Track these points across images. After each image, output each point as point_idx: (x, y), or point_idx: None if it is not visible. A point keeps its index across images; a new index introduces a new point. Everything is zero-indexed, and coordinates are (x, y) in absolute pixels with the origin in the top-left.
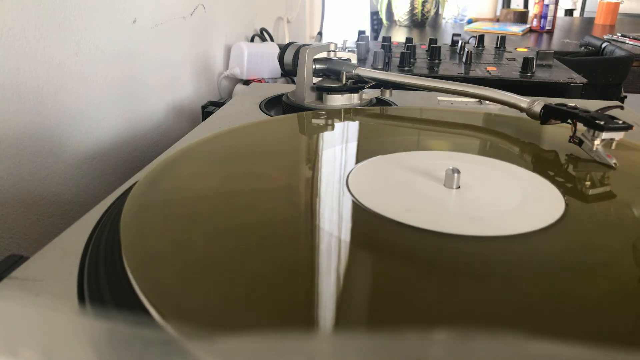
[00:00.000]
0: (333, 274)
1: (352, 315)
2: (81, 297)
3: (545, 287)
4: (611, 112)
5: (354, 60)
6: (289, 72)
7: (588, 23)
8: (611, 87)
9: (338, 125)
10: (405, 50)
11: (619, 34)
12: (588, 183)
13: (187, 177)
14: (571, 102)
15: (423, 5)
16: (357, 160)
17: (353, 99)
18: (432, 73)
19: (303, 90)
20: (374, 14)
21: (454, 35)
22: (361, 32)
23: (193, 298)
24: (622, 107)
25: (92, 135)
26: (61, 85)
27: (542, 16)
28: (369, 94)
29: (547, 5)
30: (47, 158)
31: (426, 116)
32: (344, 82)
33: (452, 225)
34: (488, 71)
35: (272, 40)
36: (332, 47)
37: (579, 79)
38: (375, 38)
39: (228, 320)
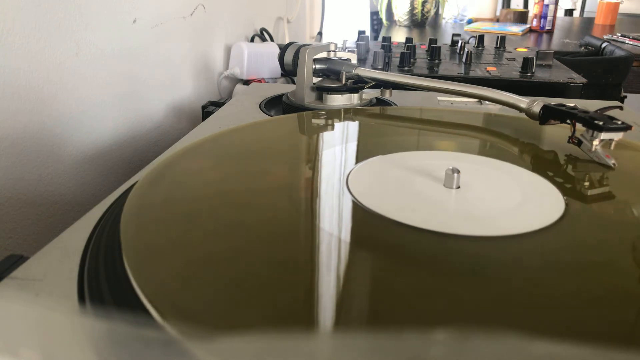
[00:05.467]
0: (333, 274)
1: (352, 315)
2: (81, 297)
3: (545, 286)
4: (610, 113)
5: (354, 60)
6: (289, 72)
7: (588, 23)
8: (611, 87)
9: (338, 125)
10: (405, 50)
11: (619, 34)
12: (587, 183)
13: (187, 177)
14: (571, 102)
15: (423, 5)
16: (357, 161)
17: (353, 99)
18: (432, 73)
19: (303, 90)
20: (374, 14)
21: (454, 35)
22: (361, 32)
23: (193, 298)
24: (621, 108)
25: (92, 135)
26: (61, 85)
27: (542, 16)
28: (369, 94)
29: (547, 5)
30: (47, 158)
31: (426, 116)
32: (344, 82)
33: (452, 225)
34: (488, 71)
35: (272, 40)
36: (332, 47)
37: (578, 79)
38: (375, 38)
39: (228, 320)
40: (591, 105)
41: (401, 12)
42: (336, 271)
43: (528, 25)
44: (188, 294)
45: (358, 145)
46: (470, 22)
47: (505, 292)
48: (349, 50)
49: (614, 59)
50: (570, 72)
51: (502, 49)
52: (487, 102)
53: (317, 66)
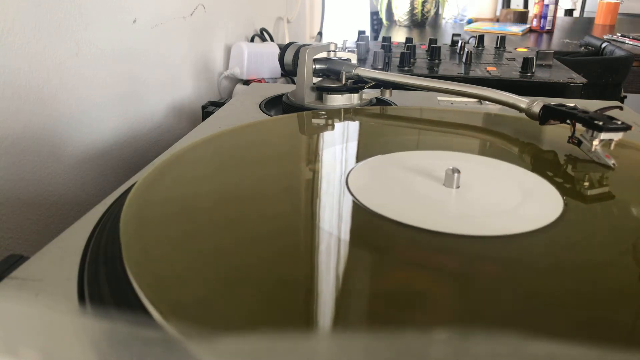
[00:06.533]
0: (333, 274)
1: (352, 315)
2: (81, 297)
3: (544, 286)
4: (610, 113)
5: (354, 60)
6: (289, 72)
7: (588, 23)
8: (611, 87)
9: (338, 125)
10: (405, 50)
11: (619, 34)
12: (587, 183)
13: (187, 177)
14: (571, 102)
15: (423, 5)
16: (357, 160)
17: (353, 99)
18: (432, 73)
19: (303, 90)
20: (374, 14)
21: (454, 35)
22: (361, 32)
23: (193, 298)
24: (621, 108)
25: (92, 135)
26: (61, 85)
27: (542, 16)
28: (369, 94)
29: (547, 5)
30: (47, 158)
31: (426, 116)
32: (344, 82)
33: (452, 225)
34: (488, 71)
35: (272, 40)
36: (332, 47)
37: (578, 79)
38: (375, 38)
39: (228, 320)
40: (591, 105)
41: (401, 12)
42: (335, 271)
43: (528, 25)
44: (188, 294)
45: (358, 145)
46: (470, 22)
47: (505, 292)
48: (349, 50)
49: (614, 59)
50: (570, 72)
51: (502, 49)
52: (487, 102)
53: (317, 66)
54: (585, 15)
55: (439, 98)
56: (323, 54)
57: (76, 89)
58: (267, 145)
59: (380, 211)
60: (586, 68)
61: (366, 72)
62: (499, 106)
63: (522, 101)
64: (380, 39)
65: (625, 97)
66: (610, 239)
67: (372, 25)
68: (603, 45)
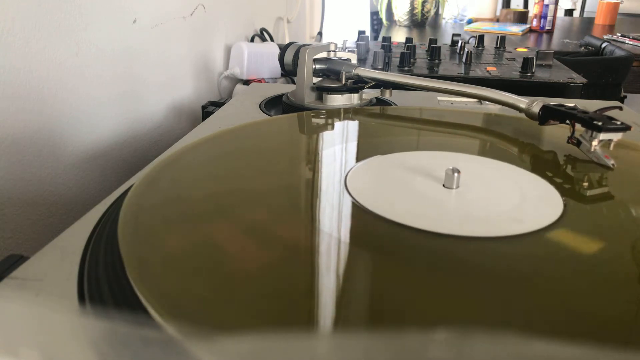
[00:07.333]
0: (332, 274)
1: (352, 315)
2: (81, 297)
3: (544, 287)
4: (610, 113)
5: (354, 60)
6: (289, 72)
7: (588, 23)
8: (611, 87)
9: (338, 125)
10: (405, 50)
11: (619, 34)
12: (586, 184)
13: (186, 177)
14: (570, 103)
15: (423, 5)
16: (357, 160)
17: (353, 99)
18: (432, 73)
19: (303, 90)
20: (374, 14)
21: (454, 35)
22: (361, 32)
23: (193, 298)
24: (621, 108)
25: (92, 135)
26: (61, 85)
27: (542, 16)
28: (369, 94)
29: (547, 5)
30: (47, 158)
31: (426, 116)
32: (343, 82)
33: (452, 226)
34: (488, 71)
35: (272, 40)
36: (332, 47)
37: (578, 79)
38: (375, 38)
39: (228, 320)
40: (591, 105)
41: (401, 12)
42: (335, 271)
43: (528, 25)
44: (188, 294)
45: (358, 145)
46: (470, 22)
47: (504, 292)
48: (349, 50)
49: (614, 59)
50: (570, 72)
51: (502, 49)
52: (487, 102)
53: (317, 66)
54: (585, 15)
55: (439, 98)
56: (323, 54)
57: (76, 89)
58: (267, 145)
59: (379, 212)
60: (586, 68)
61: (366, 72)
62: (499, 106)
63: (522, 101)
64: (380, 39)
65: (625, 97)
66: (609, 240)
67: (372, 25)
68: (603, 45)
